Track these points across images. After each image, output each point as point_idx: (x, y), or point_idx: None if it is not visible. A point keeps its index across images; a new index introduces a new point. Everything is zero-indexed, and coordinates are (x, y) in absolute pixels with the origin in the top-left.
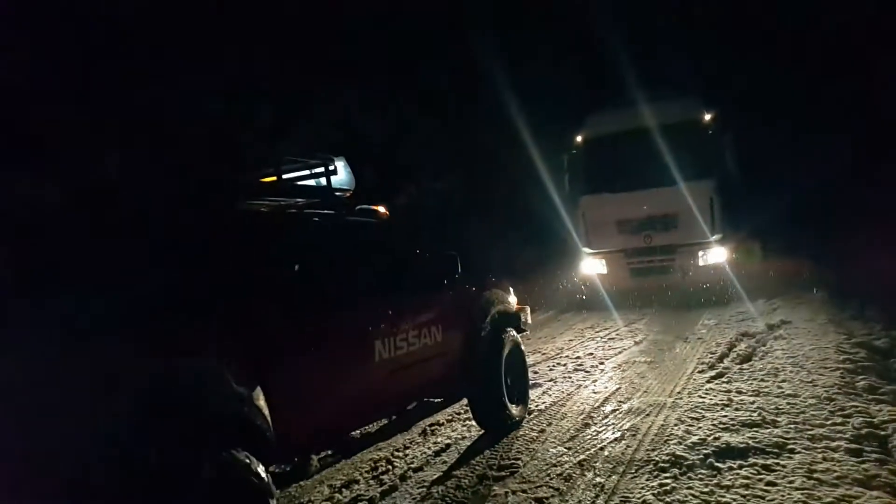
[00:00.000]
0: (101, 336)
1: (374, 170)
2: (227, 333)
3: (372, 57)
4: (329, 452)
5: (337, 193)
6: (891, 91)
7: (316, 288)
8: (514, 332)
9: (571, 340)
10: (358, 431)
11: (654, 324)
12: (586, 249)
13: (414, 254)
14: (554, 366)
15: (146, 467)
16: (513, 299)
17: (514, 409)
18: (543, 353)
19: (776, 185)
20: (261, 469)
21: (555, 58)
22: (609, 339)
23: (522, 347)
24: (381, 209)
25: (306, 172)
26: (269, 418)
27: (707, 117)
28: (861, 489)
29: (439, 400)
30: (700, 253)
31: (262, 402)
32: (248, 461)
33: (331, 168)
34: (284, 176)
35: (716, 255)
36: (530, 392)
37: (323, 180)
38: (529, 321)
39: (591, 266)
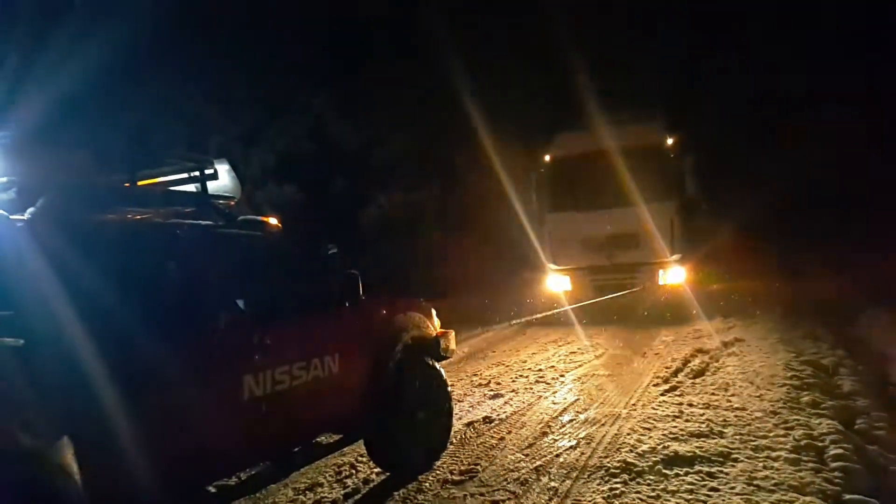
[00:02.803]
0: None
1: (347, 178)
2: (21, 365)
3: (347, 66)
4: None
5: (220, 201)
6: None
7: (159, 311)
8: (432, 362)
9: (535, 353)
10: (216, 485)
11: (615, 339)
12: (552, 266)
13: (306, 273)
14: (516, 377)
15: None
16: (434, 323)
17: (422, 450)
18: (507, 366)
19: (734, 207)
20: None
21: (526, 77)
22: (571, 352)
23: (444, 378)
24: (272, 221)
25: (178, 177)
26: (77, 478)
27: (669, 141)
28: (796, 494)
29: (336, 438)
30: (660, 272)
31: (68, 458)
32: None
33: (207, 172)
34: (159, 179)
35: (675, 274)
36: (491, 402)
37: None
38: (453, 347)
39: (556, 282)
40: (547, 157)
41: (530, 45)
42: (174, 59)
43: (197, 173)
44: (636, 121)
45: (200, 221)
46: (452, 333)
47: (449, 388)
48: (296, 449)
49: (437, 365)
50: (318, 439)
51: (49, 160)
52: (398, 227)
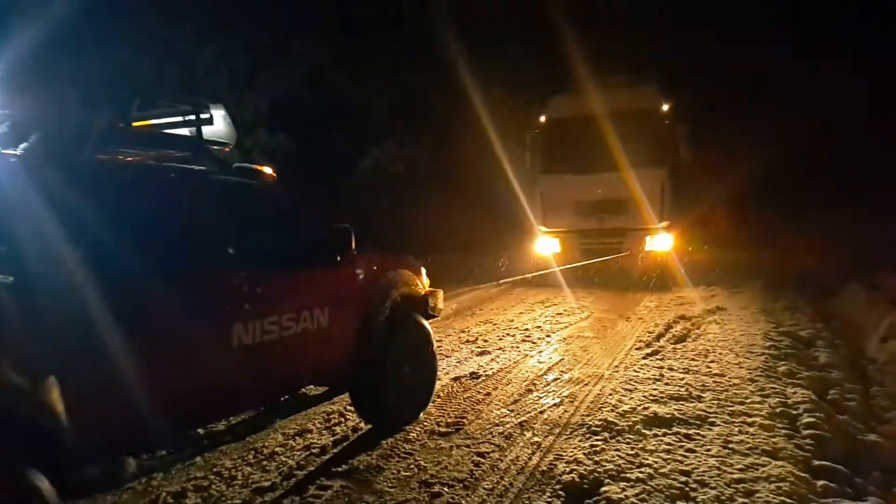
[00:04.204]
0: None
1: (341, 130)
2: (9, 302)
3: (344, 16)
4: (161, 453)
5: (215, 147)
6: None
7: (150, 255)
8: (419, 318)
9: (522, 313)
10: (206, 429)
11: (601, 302)
12: (542, 227)
13: (300, 225)
14: (503, 336)
15: None
16: (423, 281)
17: (406, 405)
18: (494, 324)
19: (723, 176)
20: (33, 478)
21: (523, 38)
22: (557, 314)
23: (430, 336)
24: (267, 170)
25: (173, 120)
26: (63, 415)
27: (665, 107)
28: (768, 459)
29: (322, 390)
30: (648, 238)
31: (54, 396)
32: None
33: (203, 116)
34: (155, 121)
35: (662, 240)
36: (478, 359)
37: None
38: (441, 306)
39: (546, 244)
40: (542, 118)
41: (528, 4)
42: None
43: (192, 117)
44: (632, 85)
45: (195, 166)
46: (440, 292)
47: (435, 346)
48: (282, 398)
49: (425, 322)
50: (304, 390)
51: (45, 95)
52: (391, 182)
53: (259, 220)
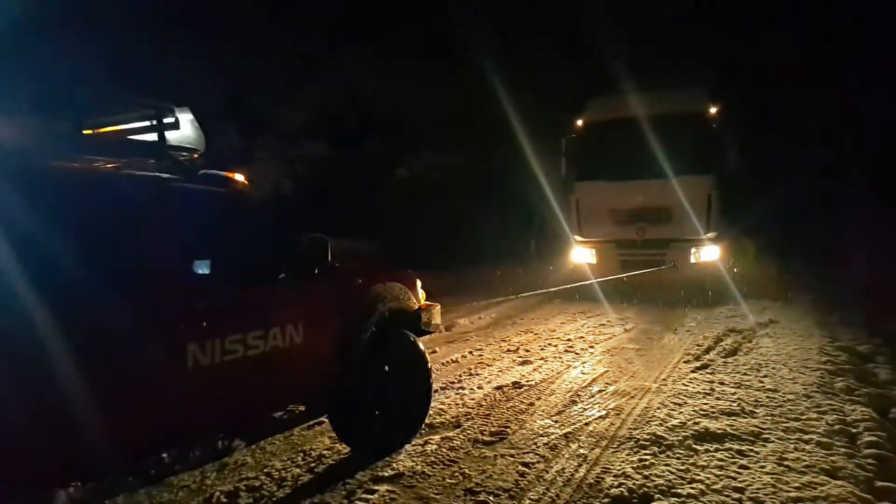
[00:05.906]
0: None
1: (379, 138)
2: None
3: (383, 25)
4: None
5: (183, 154)
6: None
7: (96, 268)
8: (411, 335)
9: (563, 323)
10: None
11: (644, 314)
12: (577, 237)
13: (271, 235)
14: (545, 346)
15: None
16: (417, 295)
17: (390, 428)
18: (535, 333)
19: (775, 185)
20: None
21: (564, 43)
22: (599, 325)
23: (423, 352)
24: (238, 177)
25: (140, 125)
26: None
27: (712, 110)
28: (826, 478)
29: (300, 410)
30: (693, 250)
31: None
32: None
33: (167, 121)
34: (120, 127)
35: (709, 252)
36: (520, 368)
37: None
38: (437, 321)
39: (581, 255)
40: (579, 122)
41: (568, 9)
42: (212, 13)
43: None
44: (676, 87)
45: (151, 173)
46: (438, 307)
47: (430, 364)
48: (250, 422)
49: (417, 339)
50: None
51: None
52: (427, 192)
53: (224, 230)
